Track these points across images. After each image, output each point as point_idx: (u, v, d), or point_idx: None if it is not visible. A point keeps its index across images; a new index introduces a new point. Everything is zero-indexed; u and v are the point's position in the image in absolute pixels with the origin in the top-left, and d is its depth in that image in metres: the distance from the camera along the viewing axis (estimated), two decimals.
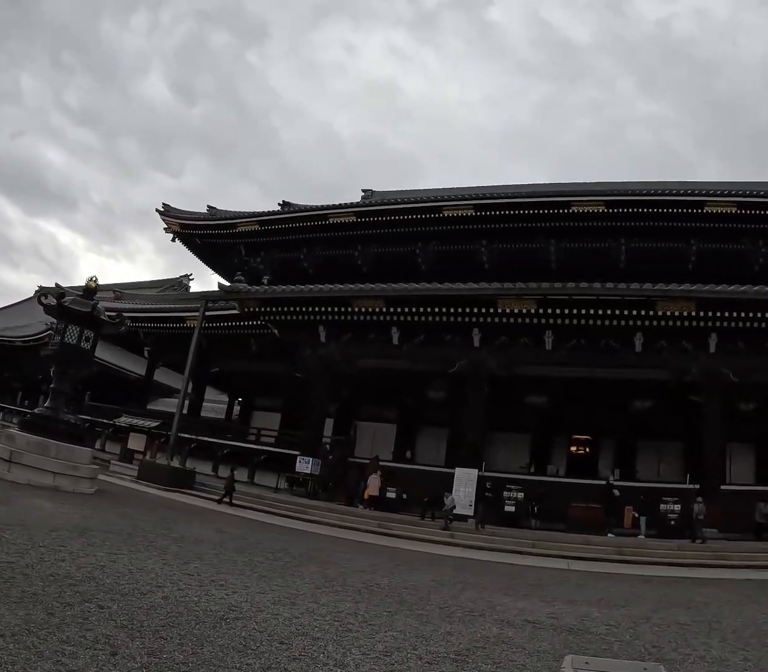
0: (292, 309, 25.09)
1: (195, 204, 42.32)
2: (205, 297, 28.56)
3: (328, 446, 27.60)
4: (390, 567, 12.67)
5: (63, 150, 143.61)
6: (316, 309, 24.62)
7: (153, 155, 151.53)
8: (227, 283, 27.72)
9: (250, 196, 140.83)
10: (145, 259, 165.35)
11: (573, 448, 29.91)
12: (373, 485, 23.53)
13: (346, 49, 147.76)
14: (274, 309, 25.55)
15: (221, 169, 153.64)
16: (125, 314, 35.55)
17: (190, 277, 56.49)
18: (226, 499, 21.70)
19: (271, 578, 9.27)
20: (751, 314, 21.20)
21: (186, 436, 30.24)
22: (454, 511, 21.35)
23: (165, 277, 62.55)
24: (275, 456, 27.95)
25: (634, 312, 21.63)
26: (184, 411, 37.17)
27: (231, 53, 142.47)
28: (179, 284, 54.79)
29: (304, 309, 24.84)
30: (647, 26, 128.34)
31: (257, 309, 25.76)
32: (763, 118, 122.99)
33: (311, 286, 24.33)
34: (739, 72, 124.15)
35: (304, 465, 24.85)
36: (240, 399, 41.42)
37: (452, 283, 23.14)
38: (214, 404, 45.39)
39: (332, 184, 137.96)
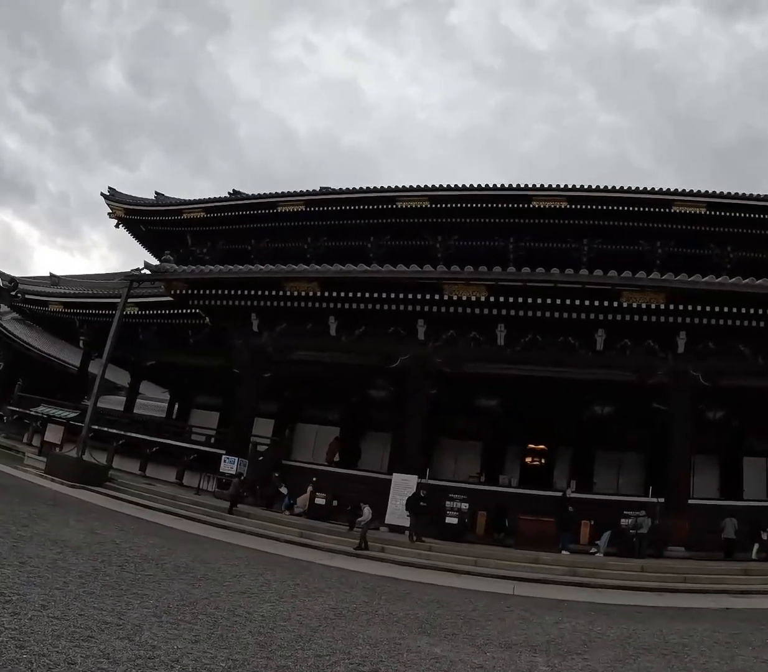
0: (222, 292, 22.72)
1: (147, 195, 40.35)
2: (130, 278, 25.94)
3: (261, 447, 25.57)
4: (286, 588, 10.18)
5: (18, 136, 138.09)
6: (248, 293, 22.25)
7: (109, 145, 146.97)
8: (156, 263, 25.06)
9: (206, 190, 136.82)
10: (100, 254, 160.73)
11: (528, 459, 28.14)
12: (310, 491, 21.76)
13: (306, 46, 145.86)
14: (203, 292, 23.14)
15: (178, 162, 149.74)
16: (58, 299, 33.94)
17: (142, 271, 53.85)
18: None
19: (102, 597, 7.03)
20: (725, 310, 19.19)
21: (114, 431, 28.61)
22: (389, 522, 19.69)
23: (115, 271, 60.49)
24: (206, 456, 25.91)
25: (596, 303, 19.46)
26: (121, 408, 35.34)
27: (191, 43, 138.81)
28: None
29: (234, 293, 22.48)
30: (608, 37, 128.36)
31: (185, 292, 23.36)
32: (724, 135, 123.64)
33: (241, 267, 22.13)
34: (700, 88, 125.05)
35: (229, 465, 22.85)
36: (178, 395, 38.76)
37: None
38: (159, 402, 43.27)
39: (289, 182, 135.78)
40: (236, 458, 22.73)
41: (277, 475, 23.27)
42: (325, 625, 7.66)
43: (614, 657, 7.56)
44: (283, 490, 22.06)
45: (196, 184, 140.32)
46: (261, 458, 24.35)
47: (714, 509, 21.00)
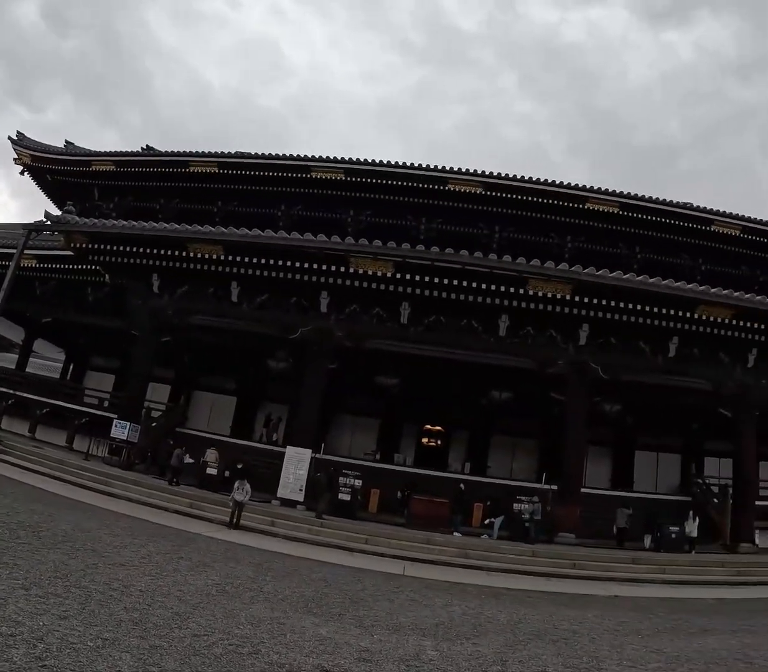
0: (123, 249, 21.56)
1: (55, 143, 38.10)
2: (28, 228, 24.34)
3: (155, 413, 24.55)
4: (168, 561, 9.68)
5: None
6: (150, 251, 21.19)
7: (17, 85, 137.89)
8: (58, 213, 23.56)
9: (116, 142, 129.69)
10: (0, 201, 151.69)
11: (424, 439, 28.28)
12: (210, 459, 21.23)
13: (230, 3, 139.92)
14: (104, 247, 21.93)
15: (86, 109, 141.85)
16: None
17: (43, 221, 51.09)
18: None
19: None
20: (629, 307, 19.52)
21: (3, 390, 27.28)
22: (281, 495, 19.29)
23: (15, 222, 57.01)
24: (99, 420, 24.77)
25: (503, 289, 19.45)
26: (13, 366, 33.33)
27: None
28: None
29: (136, 250, 21.37)
30: (536, 27, 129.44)
31: (86, 246, 22.08)
32: (639, 139, 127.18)
33: (145, 224, 20.94)
34: (621, 91, 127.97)
35: (120, 430, 21.88)
36: (74, 356, 37.00)
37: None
38: (55, 363, 40.95)
39: (200, 144, 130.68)
40: (128, 423, 21.79)
41: (171, 442, 22.49)
42: (206, 602, 7.26)
43: (504, 642, 7.46)
44: (189, 460, 21.14)
45: (104, 134, 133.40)
46: (154, 424, 23.48)
47: (605, 498, 21.80)
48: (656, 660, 7.40)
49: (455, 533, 18.44)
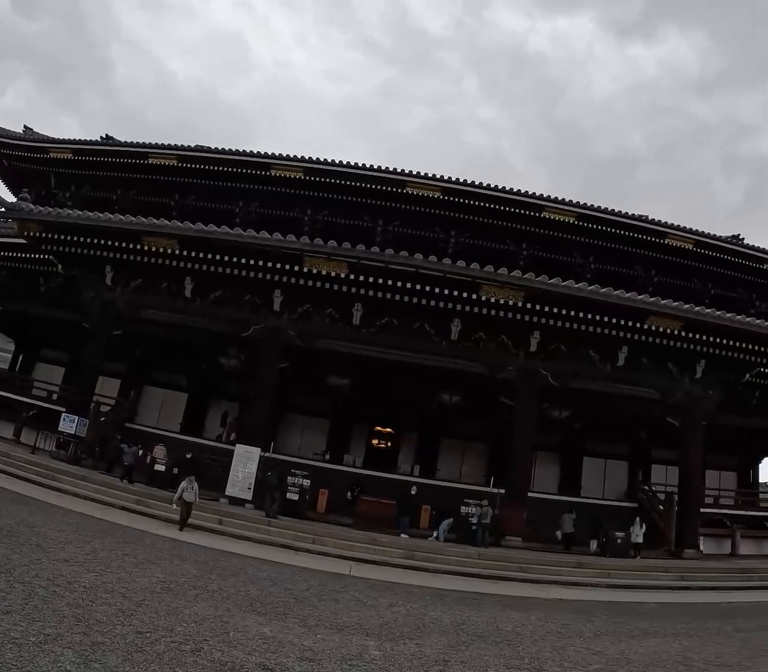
0: (78, 240, 21.15)
1: (13, 127, 37.33)
2: None
3: (105, 408, 24.28)
4: (113, 557, 9.54)
5: None
6: (105, 243, 20.84)
7: None
8: (13, 200, 22.99)
9: (75, 129, 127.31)
10: None
11: (374, 441, 28.30)
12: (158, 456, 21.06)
13: None
14: (58, 237, 21.47)
15: (47, 94, 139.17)
16: None
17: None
18: None
19: None
20: (580, 315, 19.76)
21: None
22: (229, 494, 19.13)
23: None
24: (47, 413, 24.31)
25: (456, 293, 19.54)
26: None
27: None
28: None
29: (91, 241, 20.99)
30: (503, 34, 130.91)
31: (40, 235, 21.58)
32: (599, 151, 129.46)
33: (101, 215, 20.59)
34: (583, 102, 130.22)
35: (69, 424, 21.44)
36: (24, 347, 36.19)
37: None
38: (4, 353, 40.91)
39: (161, 136, 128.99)
40: (77, 417, 21.39)
41: (120, 437, 22.15)
42: (150, 599, 7.19)
43: (447, 643, 7.51)
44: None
45: (63, 120, 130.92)
46: (103, 419, 23.13)
47: (552, 503, 22.07)
48: (597, 662, 7.53)
49: (402, 535, 18.48)
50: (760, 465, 33.25)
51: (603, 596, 14.39)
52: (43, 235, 21.47)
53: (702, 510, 22.75)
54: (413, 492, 20.06)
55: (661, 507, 23.65)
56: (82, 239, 21.02)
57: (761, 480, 35.25)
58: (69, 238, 21.21)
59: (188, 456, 19.75)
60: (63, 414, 21.72)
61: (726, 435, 26.08)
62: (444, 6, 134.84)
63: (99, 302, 22.71)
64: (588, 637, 9.00)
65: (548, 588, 14.52)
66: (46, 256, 24.33)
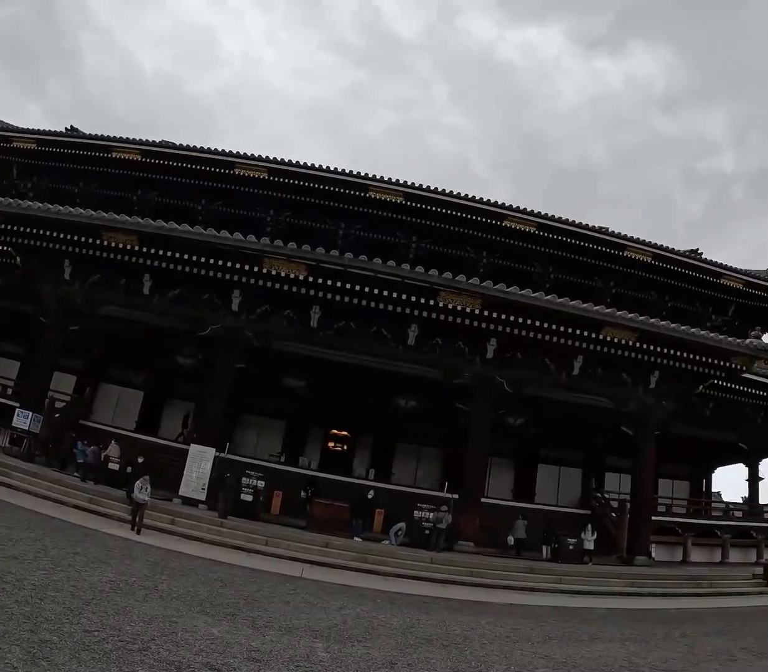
0: (37, 232, 20.78)
1: None
2: None
3: (59, 404, 23.90)
4: (63, 556, 9.43)
5: None
6: (64, 236, 20.59)
7: None
8: None
9: (38, 118, 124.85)
10: None
11: (330, 443, 28.36)
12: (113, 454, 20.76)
13: None
14: (17, 229, 21.07)
15: (10, 80, 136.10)
16: None
17: None
18: None
19: None
20: (537, 324, 20.01)
21: None
22: (183, 494, 18.97)
23: None
24: (2, 408, 23.75)
25: (413, 299, 19.68)
26: None
27: None
28: None
29: (50, 234, 20.68)
30: (473, 42, 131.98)
31: None
32: (563, 161, 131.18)
33: (61, 208, 20.32)
34: (549, 112, 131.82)
35: (22, 420, 20.98)
36: None
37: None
38: None
39: (126, 129, 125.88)
40: (30, 413, 20.97)
41: (74, 434, 21.85)
42: (100, 598, 7.14)
43: (395, 645, 7.56)
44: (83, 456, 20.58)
45: (27, 108, 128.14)
46: (57, 415, 22.81)
47: (506, 509, 22.36)
48: (544, 666, 7.64)
49: (356, 538, 18.51)
50: (713, 475, 34.07)
51: (554, 601, 14.58)
52: (3, 226, 21.06)
53: (654, 518, 23.21)
54: (370, 496, 20.15)
55: (613, 514, 24.05)
56: (41, 232, 20.66)
57: (713, 489, 36.11)
58: (29, 230, 20.81)
59: (140, 460, 19.54)
60: (17, 409, 21.28)
61: (680, 445, 26.68)
62: (418, 9, 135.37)
63: (56, 296, 22.37)
64: (536, 641, 9.13)
65: (500, 593, 14.66)
66: (5, 248, 23.90)
